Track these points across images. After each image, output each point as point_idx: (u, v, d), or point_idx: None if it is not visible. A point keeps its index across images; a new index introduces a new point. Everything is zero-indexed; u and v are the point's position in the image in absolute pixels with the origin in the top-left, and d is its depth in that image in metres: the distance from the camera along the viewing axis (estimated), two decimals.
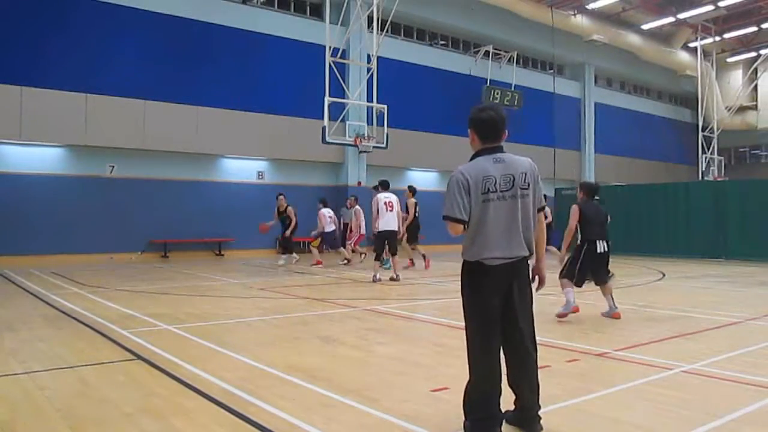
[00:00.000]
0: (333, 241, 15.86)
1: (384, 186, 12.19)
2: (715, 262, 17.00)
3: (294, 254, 15.26)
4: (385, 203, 11.61)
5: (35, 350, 5.47)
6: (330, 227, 15.36)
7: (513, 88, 25.57)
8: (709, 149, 30.12)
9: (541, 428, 3.29)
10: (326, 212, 15.40)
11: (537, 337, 3.39)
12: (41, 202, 15.73)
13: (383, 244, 11.70)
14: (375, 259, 11.52)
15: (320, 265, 14.62)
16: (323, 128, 16.73)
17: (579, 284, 7.17)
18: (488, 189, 3.19)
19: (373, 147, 18.43)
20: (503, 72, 25.66)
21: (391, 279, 11.40)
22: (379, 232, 11.60)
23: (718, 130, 30.68)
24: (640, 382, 4.36)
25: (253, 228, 18.92)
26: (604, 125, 30.17)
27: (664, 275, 13.04)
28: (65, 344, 5.74)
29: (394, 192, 12.39)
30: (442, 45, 24.79)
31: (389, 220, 11.53)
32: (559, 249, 7.61)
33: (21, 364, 4.88)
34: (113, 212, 16.73)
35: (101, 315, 7.26)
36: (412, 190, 14.36)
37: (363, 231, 15.44)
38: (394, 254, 11.87)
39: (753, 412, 3.73)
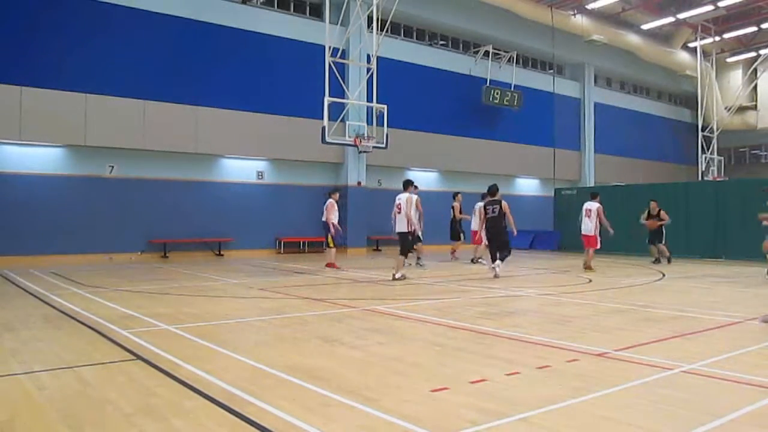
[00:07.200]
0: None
1: (405, 185, 12.14)
2: (715, 262, 17.00)
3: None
4: (396, 205, 11.80)
5: (35, 350, 5.47)
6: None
7: (513, 88, 25.55)
8: (708, 149, 30.14)
9: None
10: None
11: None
12: (41, 202, 15.73)
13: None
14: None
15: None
16: (323, 128, 16.73)
17: None
18: None
19: (373, 147, 18.42)
20: (503, 72, 25.65)
21: (394, 278, 11.48)
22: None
23: (717, 130, 30.70)
24: (640, 382, 4.36)
25: (253, 228, 19.00)
26: (604, 125, 30.15)
27: (664, 275, 13.04)
28: (65, 344, 5.74)
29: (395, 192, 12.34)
30: (442, 45, 24.77)
31: (398, 221, 11.70)
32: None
33: (21, 364, 4.87)
34: (113, 212, 16.74)
35: (101, 315, 7.26)
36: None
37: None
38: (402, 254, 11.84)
39: (753, 412, 3.73)
